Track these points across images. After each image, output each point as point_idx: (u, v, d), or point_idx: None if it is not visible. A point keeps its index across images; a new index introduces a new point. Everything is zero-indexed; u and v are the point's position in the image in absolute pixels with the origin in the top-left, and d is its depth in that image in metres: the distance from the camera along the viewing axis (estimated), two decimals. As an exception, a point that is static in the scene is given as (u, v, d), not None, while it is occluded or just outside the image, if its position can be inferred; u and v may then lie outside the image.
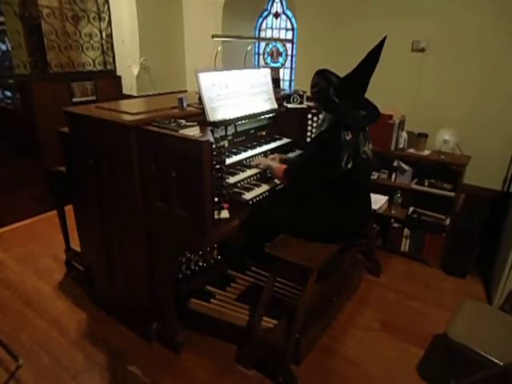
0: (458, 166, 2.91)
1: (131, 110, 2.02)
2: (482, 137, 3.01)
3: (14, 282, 2.80)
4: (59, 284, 2.80)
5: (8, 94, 4.32)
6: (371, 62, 1.91)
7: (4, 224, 3.61)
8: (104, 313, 2.49)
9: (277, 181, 2.35)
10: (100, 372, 2.06)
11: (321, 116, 2.68)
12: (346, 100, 1.95)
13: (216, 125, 2.19)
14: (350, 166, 1.92)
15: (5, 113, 4.27)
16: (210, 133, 1.78)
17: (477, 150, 3.01)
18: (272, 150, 2.67)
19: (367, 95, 2.06)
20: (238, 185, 2.25)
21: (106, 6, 4.18)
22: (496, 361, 1.69)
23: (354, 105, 1.97)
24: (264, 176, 2.40)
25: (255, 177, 2.37)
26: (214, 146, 1.67)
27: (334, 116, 1.97)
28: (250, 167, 2.40)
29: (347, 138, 1.92)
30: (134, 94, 4.30)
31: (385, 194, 2.96)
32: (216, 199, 1.76)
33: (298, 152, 2.79)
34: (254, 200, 2.16)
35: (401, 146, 3.15)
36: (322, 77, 2.05)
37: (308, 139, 2.83)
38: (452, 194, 2.96)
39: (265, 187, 2.29)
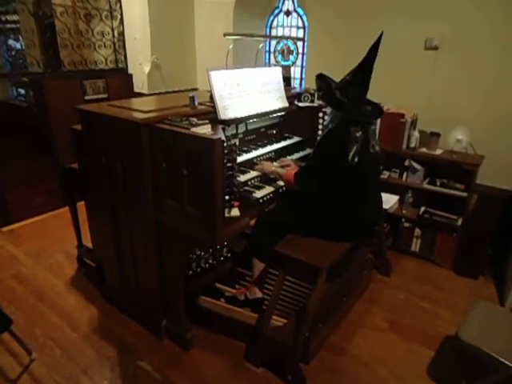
0: (471, 166, 2.87)
1: (143, 107, 2.04)
2: (495, 136, 2.96)
3: (26, 277, 2.85)
4: (71, 279, 2.84)
5: (22, 91, 4.40)
6: (372, 60, 1.95)
7: (17, 219, 3.66)
8: (115, 309, 2.52)
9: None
10: (111, 367, 2.09)
11: (326, 117, 2.70)
12: (352, 99, 1.98)
13: (227, 123, 2.19)
14: (356, 160, 1.93)
15: (19, 110, 4.35)
16: (221, 131, 1.78)
17: (490, 149, 2.96)
18: (282, 149, 2.67)
19: (375, 93, 2.06)
20: (249, 183, 2.25)
21: (118, 5, 4.20)
22: (508, 363, 1.67)
23: (360, 103, 2.01)
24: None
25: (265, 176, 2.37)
26: (225, 144, 1.67)
27: (343, 114, 1.99)
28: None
29: (357, 134, 1.95)
30: (145, 92, 4.32)
31: (396, 194, 2.94)
32: (227, 197, 1.76)
33: (307, 151, 2.78)
34: (265, 199, 2.16)
35: (412, 145, 3.12)
36: (323, 80, 2.07)
37: (318, 138, 2.81)
38: (464, 194, 2.92)
39: (275, 186, 2.29)
